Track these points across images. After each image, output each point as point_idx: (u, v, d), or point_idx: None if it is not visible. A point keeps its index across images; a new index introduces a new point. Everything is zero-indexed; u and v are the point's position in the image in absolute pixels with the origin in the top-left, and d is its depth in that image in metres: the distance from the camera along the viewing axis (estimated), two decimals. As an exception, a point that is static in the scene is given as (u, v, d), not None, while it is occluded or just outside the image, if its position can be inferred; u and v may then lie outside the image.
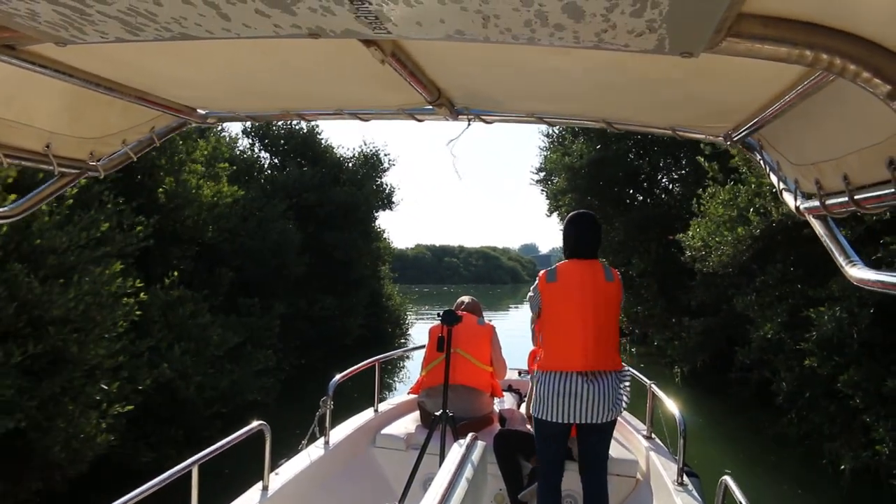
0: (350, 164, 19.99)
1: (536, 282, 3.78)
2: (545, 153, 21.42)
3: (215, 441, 3.07)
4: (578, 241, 3.79)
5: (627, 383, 3.70)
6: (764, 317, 10.24)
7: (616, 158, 18.12)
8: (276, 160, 18.09)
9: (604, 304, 3.62)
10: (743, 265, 11.06)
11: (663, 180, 19.69)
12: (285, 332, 14.82)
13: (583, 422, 3.57)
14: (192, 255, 11.97)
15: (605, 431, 3.71)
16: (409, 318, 27.12)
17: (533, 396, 3.75)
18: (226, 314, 12.41)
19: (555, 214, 21.81)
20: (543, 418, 3.62)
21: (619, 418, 4.05)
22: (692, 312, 15.83)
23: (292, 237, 14.26)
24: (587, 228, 3.83)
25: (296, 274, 14.12)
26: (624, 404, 3.67)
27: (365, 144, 19.83)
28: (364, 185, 18.81)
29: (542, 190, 21.62)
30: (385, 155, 21.53)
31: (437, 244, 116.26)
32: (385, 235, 21.95)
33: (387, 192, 21.01)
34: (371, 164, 20.49)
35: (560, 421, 3.57)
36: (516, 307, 52.83)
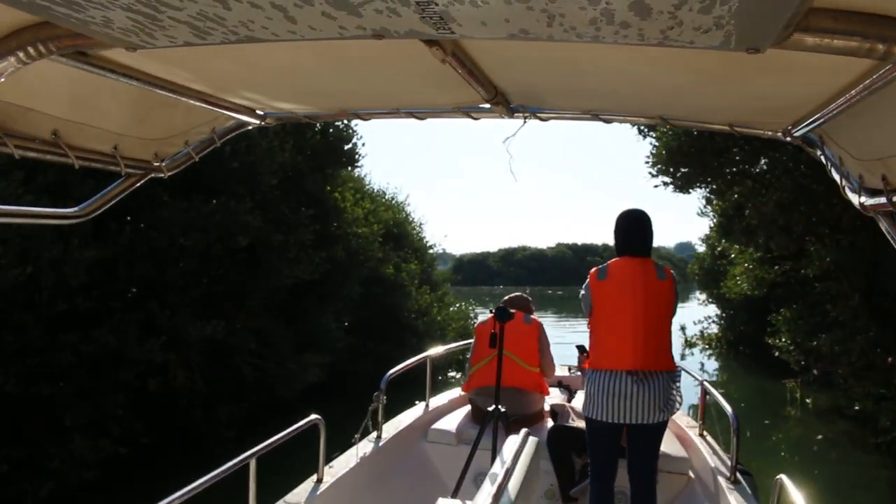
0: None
1: (587, 280, 3.62)
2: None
3: None
4: (629, 238, 3.63)
5: (679, 384, 3.56)
6: None
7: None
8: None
9: (655, 304, 3.47)
10: None
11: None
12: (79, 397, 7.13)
13: (632, 422, 3.40)
14: None
15: (655, 432, 3.54)
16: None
17: (584, 395, 3.60)
18: None
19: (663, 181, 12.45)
20: (593, 417, 3.49)
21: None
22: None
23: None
24: (637, 225, 3.66)
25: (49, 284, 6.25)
26: (677, 405, 3.53)
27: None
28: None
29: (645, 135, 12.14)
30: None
31: (580, 243, 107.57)
32: (375, 206, 13.38)
33: (343, 136, 11.53)
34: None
35: (609, 420, 3.42)
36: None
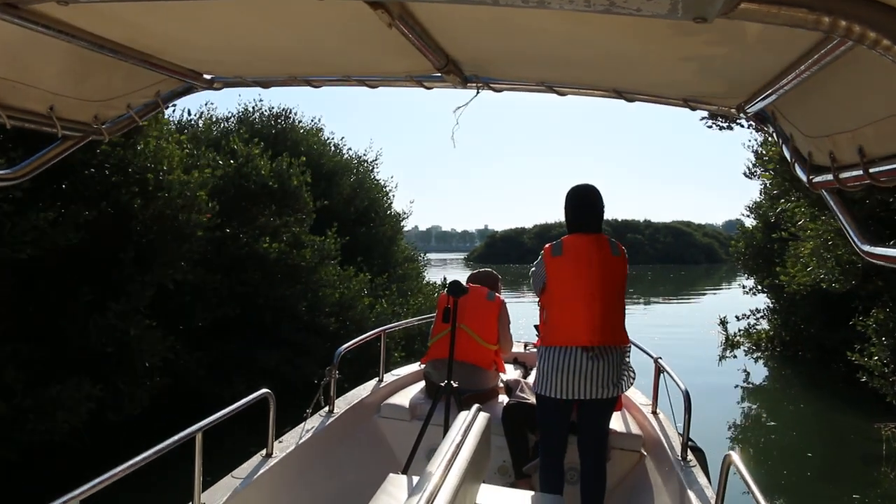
0: None
1: (541, 256, 3.54)
2: None
3: None
4: (580, 214, 3.56)
5: (629, 358, 3.54)
6: None
7: None
8: None
9: (610, 279, 3.41)
10: None
11: None
12: None
13: (584, 397, 3.37)
14: None
15: (606, 407, 3.50)
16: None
17: (536, 372, 3.58)
18: None
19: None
20: (545, 394, 3.45)
21: (624, 393, 3.93)
22: None
23: None
24: (587, 201, 3.59)
25: None
26: (630, 380, 3.52)
27: None
28: None
29: None
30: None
31: (620, 219, 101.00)
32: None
33: None
34: None
35: (562, 397, 3.39)
36: (713, 291, 42.32)
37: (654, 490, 3.65)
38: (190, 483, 2.64)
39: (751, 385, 14.52)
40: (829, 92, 1.47)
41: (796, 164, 1.78)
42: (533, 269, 3.58)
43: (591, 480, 3.49)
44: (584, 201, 3.56)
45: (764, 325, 16.75)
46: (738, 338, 16.85)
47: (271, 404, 3.25)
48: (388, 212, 15.92)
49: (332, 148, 15.62)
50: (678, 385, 3.69)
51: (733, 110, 2.01)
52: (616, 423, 3.91)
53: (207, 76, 2.14)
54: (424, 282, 16.76)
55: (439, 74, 1.93)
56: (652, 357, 4.24)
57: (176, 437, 2.51)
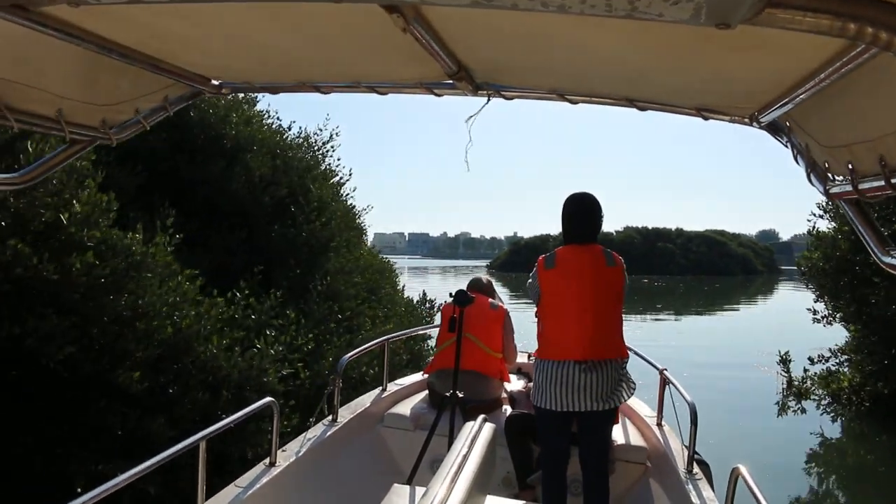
0: None
1: (535, 267, 3.47)
2: None
3: None
4: (573, 225, 3.48)
5: (626, 369, 3.44)
6: None
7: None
8: None
9: (604, 292, 3.35)
10: None
11: None
12: None
13: (580, 410, 3.31)
14: None
15: (603, 420, 3.42)
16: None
17: (533, 383, 3.55)
18: None
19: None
20: (541, 406, 3.40)
21: (628, 404, 4.02)
22: None
23: None
24: (584, 211, 3.50)
25: None
26: (626, 392, 3.39)
27: None
28: None
29: None
30: None
31: (650, 227, 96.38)
32: None
33: None
34: None
35: (557, 409, 3.33)
36: (748, 304, 38.74)
37: (659, 502, 3.59)
38: (192, 492, 2.60)
39: (830, 455, 9.94)
40: (848, 101, 1.42)
41: (812, 175, 1.72)
42: (529, 280, 3.52)
43: (592, 492, 3.41)
44: (577, 210, 3.49)
45: (846, 369, 11.99)
46: (807, 383, 12.11)
47: (275, 412, 3.21)
48: (330, 205, 11.55)
49: (258, 120, 11.34)
50: (684, 397, 3.61)
51: (746, 119, 1.96)
52: (620, 435, 3.93)
53: (216, 81, 2.13)
54: (400, 296, 12.30)
55: (451, 81, 1.91)
56: (657, 368, 4.14)
57: (179, 446, 2.46)
